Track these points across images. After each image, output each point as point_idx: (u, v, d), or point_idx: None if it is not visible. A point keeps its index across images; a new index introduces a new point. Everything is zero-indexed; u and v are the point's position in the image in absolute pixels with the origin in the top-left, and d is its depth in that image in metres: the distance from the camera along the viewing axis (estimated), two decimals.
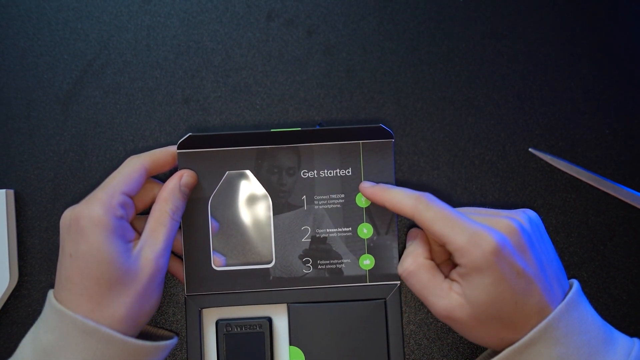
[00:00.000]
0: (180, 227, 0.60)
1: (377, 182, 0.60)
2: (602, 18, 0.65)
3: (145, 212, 0.58)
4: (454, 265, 0.53)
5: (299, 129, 0.59)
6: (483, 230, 0.50)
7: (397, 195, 0.55)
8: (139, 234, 0.56)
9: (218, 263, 0.60)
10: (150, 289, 0.53)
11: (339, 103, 0.64)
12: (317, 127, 0.63)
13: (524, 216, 0.53)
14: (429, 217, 0.52)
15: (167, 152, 0.58)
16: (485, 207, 0.58)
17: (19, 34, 0.64)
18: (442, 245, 0.54)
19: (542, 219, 0.62)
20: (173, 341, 0.57)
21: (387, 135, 0.60)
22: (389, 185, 0.58)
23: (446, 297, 0.52)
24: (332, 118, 0.64)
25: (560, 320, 0.50)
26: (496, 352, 0.53)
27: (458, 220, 0.51)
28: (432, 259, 0.56)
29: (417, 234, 0.58)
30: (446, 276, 0.54)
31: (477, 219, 0.52)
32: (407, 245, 0.58)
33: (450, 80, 0.64)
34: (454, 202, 0.63)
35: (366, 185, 0.59)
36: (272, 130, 0.59)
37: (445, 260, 0.57)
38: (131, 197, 0.56)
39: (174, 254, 0.61)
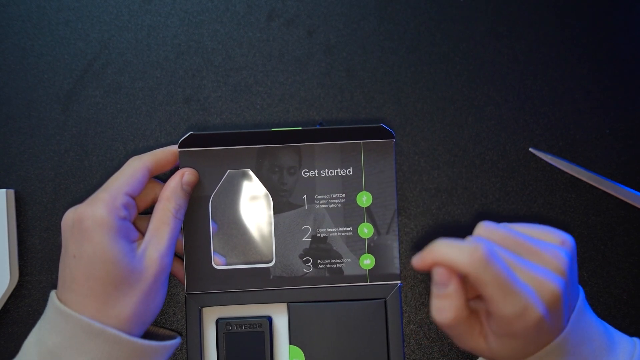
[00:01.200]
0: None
1: (379, 186, 0.59)
2: (602, 18, 0.65)
3: (147, 211, 0.58)
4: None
5: (300, 128, 0.59)
6: (531, 304, 0.46)
7: (450, 249, 0.48)
8: (142, 233, 0.56)
9: (218, 263, 0.60)
10: (155, 288, 0.53)
11: (339, 103, 0.64)
12: (318, 127, 0.63)
13: (565, 260, 0.49)
14: (484, 279, 0.47)
15: (169, 152, 0.58)
16: (518, 225, 0.52)
17: (19, 34, 0.64)
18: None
19: (542, 219, 0.63)
20: (177, 341, 0.57)
21: (388, 135, 0.60)
22: (436, 242, 0.49)
23: (474, 341, 0.51)
24: (333, 118, 0.64)
25: (571, 332, 0.50)
26: None
27: (511, 288, 0.47)
28: (467, 304, 0.51)
29: (452, 278, 0.50)
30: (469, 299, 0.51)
31: (522, 274, 0.48)
32: (442, 289, 0.50)
33: (451, 80, 0.65)
34: (454, 202, 0.63)
35: (416, 261, 0.50)
36: (273, 129, 0.59)
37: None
38: (133, 197, 0.56)
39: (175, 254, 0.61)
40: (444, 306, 0.49)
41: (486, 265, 0.46)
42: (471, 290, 0.51)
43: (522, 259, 0.49)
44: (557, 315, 0.48)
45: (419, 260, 0.50)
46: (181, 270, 0.60)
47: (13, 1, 0.64)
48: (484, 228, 0.51)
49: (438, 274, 0.49)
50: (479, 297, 0.51)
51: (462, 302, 0.49)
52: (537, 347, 0.49)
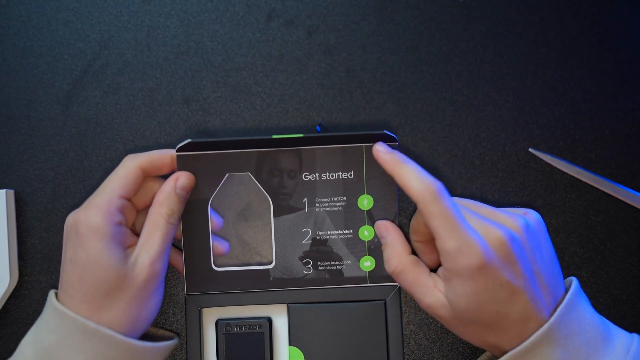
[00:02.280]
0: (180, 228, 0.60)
1: (381, 189, 0.60)
2: (602, 18, 0.65)
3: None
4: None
5: (301, 135, 0.59)
6: (473, 241, 0.50)
7: (409, 174, 0.53)
8: (139, 235, 0.56)
9: (220, 251, 0.60)
10: (147, 294, 0.53)
11: (339, 103, 0.64)
12: (318, 129, 0.63)
13: (521, 222, 0.52)
14: (432, 211, 0.51)
15: (166, 155, 0.57)
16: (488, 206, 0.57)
17: (19, 34, 0.64)
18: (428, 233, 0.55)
19: (543, 220, 0.63)
20: (173, 342, 0.57)
21: (391, 140, 0.59)
22: (405, 158, 0.55)
23: (431, 295, 0.53)
24: (332, 118, 0.64)
25: (560, 322, 0.50)
26: (495, 356, 0.53)
27: (455, 224, 0.50)
28: (412, 252, 0.57)
29: (388, 228, 0.58)
30: (429, 266, 0.56)
31: (473, 222, 0.51)
32: (383, 240, 0.58)
33: (450, 81, 0.64)
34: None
35: (380, 149, 0.56)
36: (273, 136, 0.58)
37: (429, 240, 0.57)
38: (130, 199, 0.56)
39: (175, 246, 0.61)
40: (387, 254, 0.57)
41: (435, 199, 0.51)
42: (421, 236, 0.57)
43: (477, 214, 0.53)
44: (510, 268, 0.50)
45: (383, 156, 0.56)
46: (182, 264, 0.60)
47: (13, 1, 0.64)
48: (455, 199, 0.55)
49: (377, 228, 0.58)
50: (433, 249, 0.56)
51: (402, 248, 0.56)
52: (494, 302, 0.50)
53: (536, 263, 0.52)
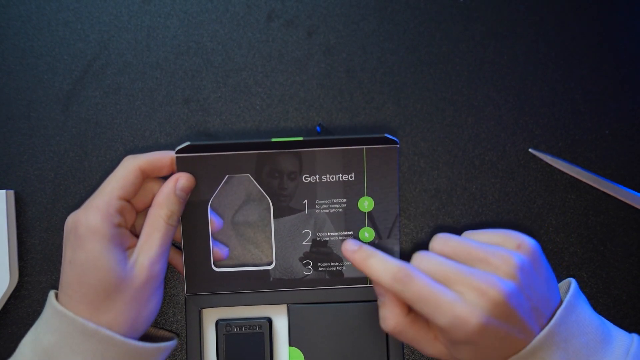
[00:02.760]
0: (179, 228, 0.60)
1: (381, 191, 0.59)
2: (602, 18, 0.65)
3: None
4: None
5: (301, 138, 0.58)
6: (464, 312, 0.48)
7: (377, 265, 0.52)
8: (139, 236, 0.56)
9: (220, 256, 0.60)
10: (147, 295, 0.54)
11: (339, 103, 0.64)
12: (318, 129, 0.63)
13: (516, 264, 0.50)
14: (408, 297, 0.50)
15: (166, 156, 0.57)
16: (477, 232, 0.54)
17: (19, 34, 0.64)
18: None
19: (542, 220, 0.63)
20: (173, 342, 0.57)
21: (392, 143, 0.59)
22: (371, 251, 0.53)
23: (432, 347, 0.53)
24: (332, 119, 0.64)
25: (560, 325, 0.50)
26: None
27: (437, 301, 0.49)
28: (409, 308, 0.53)
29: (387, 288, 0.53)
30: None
31: (462, 283, 0.49)
32: (380, 298, 0.54)
33: (450, 81, 0.64)
34: (454, 202, 0.63)
35: (349, 248, 0.54)
36: (272, 140, 0.58)
37: None
38: (129, 200, 0.56)
39: (174, 245, 0.61)
40: (384, 315, 0.54)
41: (405, 285, 0.50)
42: None
43: (467, 267, 0.50)
44: (509, 319, 0.49)
45: (351, 255, 0.54)
46: (181, 264, 0.60)
47: (13, 2, 0.64)
48: (438, 240, 0.53)
49: (376, 285, 0.54)
50: None
51: (399, 310, 0.53)
52: (499, 351, 0.50)
53: (532, 298, 0.50)
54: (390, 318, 0.53)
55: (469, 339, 0.49)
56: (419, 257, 0.52)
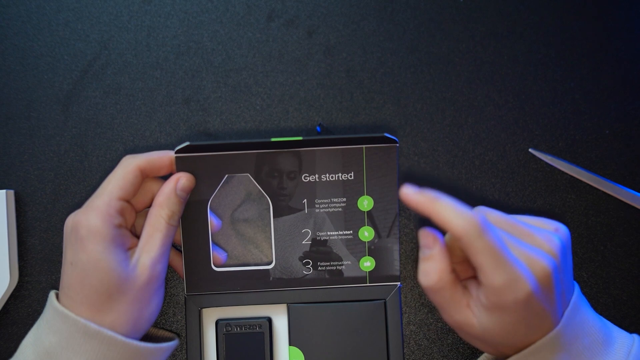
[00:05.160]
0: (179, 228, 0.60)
1: (381, 190, 0.59)
2: (602, 18, 0.65)
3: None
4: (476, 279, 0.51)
5: (300, 138, 0.58)
6: (521, 275, 0.47)
7: (448, 210, 0.48)
8: (139, 236, 0.56)
9: (219, 260, 0.60)
10: (148, 295, 0.54)
11: (339, 103, 0.64)
12: (317, 129, 0.63)
13: (557, 245, 0.50)
14: (477, 246, 0.48)
15: (165, 156, 0.57)
16: (513, 216, 0.54)
17: (19, 34, 0.64)
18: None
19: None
20: (174, 343, 0.57)
21: (392, 142, 0.59)
22: (438, 195, 0.50)
23: (462, 313, 0.51)
24: (332, 118, 0.64)
25: (566, 327, 0.50)
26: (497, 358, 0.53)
27: (502, 258, 0.48)
28: (453, 269, 0.52)
29: (436, 241, 0.52)
30: (462, 280, 0.53)
31: (516, 251, 0.49)
32: (426, 251, 0.52)
33: (450, 81, 0.64)
34: None
35: (409, 192, 0.50)
36: (272, 139, 0.58)
37: (463, 262, 0.54)
38: (129, 200, 0.56)
39: (175, 247, 0.61)
40: (428, 268, 0.51)
41: (480, 233, 0.47)
42: (457, 259, 0.53)
43: (515, 238, 0.50)
44: (548, 296, 0.49)
45: (414, 197, 0.50)
46: (181, 266, 0.60)
47: (13, 2, 0.64)
48: (481, 210, 0.52)
49: (423, 237, 0.51)
50: (468, 266, 0.53)
51: (445, 265, 0.51)
52: (528, 328, 0.49)
53: (564, 282, 0.51)
54: (436, 272, 0.51)
55: (515, 306, 0.48)
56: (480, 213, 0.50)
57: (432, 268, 0.51)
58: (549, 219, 0.53)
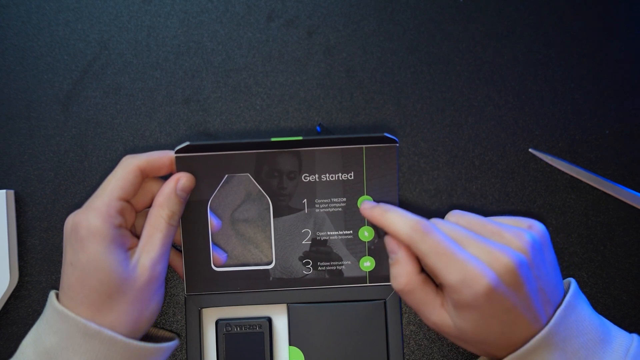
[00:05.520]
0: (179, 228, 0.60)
1: (381, 190, 0.60)
2: (602, 18, 0.65)
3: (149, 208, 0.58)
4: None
5: (300, 137, 0.58)
6: (476, 270, 0.48)
7: (396, 218, 0.52)
8: (139, 236, 0.56)
9: (218, 261, 0.60)
10: (149, 296, 0.53)
11: (339, 103, 0.64)
12: (317, 129, 0.63)
13: (527, 240, 0.51)
14: (423, 250, 0.50)
15: (165, 156, 0.57)
16: (490, 217, 0.55)
17: (19, 35, 0.64)
18: None
19: (542, 220, 0.62)
20: (174, 343, 0.57)
21: (392, 142, 0.59)
22: (389, 207, 0.54)
23: (437, 314, 0.53)
24: (332, 118, 0.64)
25: (559, 325, 0.50)
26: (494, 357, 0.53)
27: (452, 256, 0.49)
28: (422, 269, 0.54)
29: (400, 245, 0.54)
30: (437, 285, 0.54)
31: (476, 247, 0.50)
32: (393, 256, 0.54)
33: (450, 81, 0.64)
34: (454, 203, 0.63)
35: (366, 206, 0.56)
36: (272, 139, 0.58)
37: None
38: (129, 200, 0.56)
39: (175, 247, 0.61)
40: (396, 272, 0.54)
41: (423, 236, 0.50)
42: None
43: (480, 236, 0.51)
44: (517, 290, 0.49)
45: (369, 212, 0.55)
46: (181, 266, 0.60)
47: (13, 2, 0.64)
48: (453, 214, 0.55)
49: (387, 242, 0.55)
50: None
51: (411, 267, 0.53)
52: (503, 325, 0.50)
53: (540, 279, 0.51)
54: (403, 275, 0.53)
55: (476, 302, 0.49)
56: (435, 221, 0.53)
57: (399, 271, 0.53)
58: (527, 217, 0.54)
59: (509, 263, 0.49)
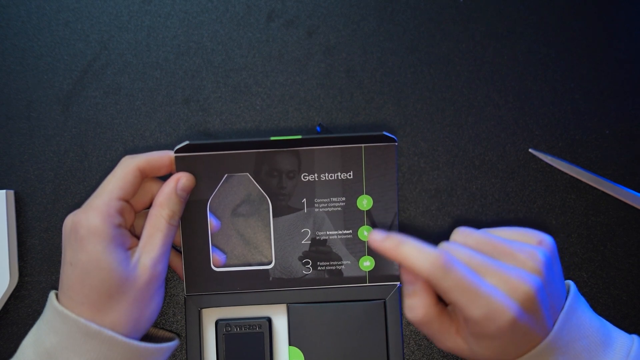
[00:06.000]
0: (179, 228, 0.60)
1: (380, 189, 0.59)
2: (602, 18, 0.65)
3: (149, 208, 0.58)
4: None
5: (300, 136, 0.58)
6: (500, 304, 0.47)
7: (413, 253, 0.49)
8: (139, 236, 0.56)
9: (218, 262, 0.60)
10: (149, 295, 0.53)
11: (339, 104, 0.64)
12: (317, 129, 0.63)
13: (541, 260, 0.50)
14: (446, 286, 0.48)
15: (164, 156, 0.57)
16: (495, 229, 0.54)
17: (19, 35, 0.64)
18: None
19: (542, 220, 0.63)
20: (174, 343, 0.57)
21: (391, 141, 0.59)
22: (402, 238, 0.50)
23: (452, 341, 0.52)
24: (332, 118, 0.64)
25: (562, 329, 0.50)
26: None
27: (476, 292, 0.48)
28: (438, 299, 0.53)
29: (418, 276, 0.51)
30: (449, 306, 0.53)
31: (494, 276, 0.49)
32: (409, 287, 0.52)
33: (450, 81, 0.64)
34: (454, 202, 0.63)
35: (377, 238, 0.51)
36: (271, 138, 0.58)
37: None
38: (128, 200, 0.56)
39: (174, 248, 0.61)
40: (413, 304, 0.51)
41: (445, 273, 0.48)
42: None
43: (495, 261, 0.50)
44: (535, 315, 0.49)
45: (381, 244, 0.51)
46: (181, 267, 0.60)
47: (13, 2, 0.64)
48: (460, 233, 0.53)
49: (405, 273, 0.52)
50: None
51: (429, 300, 0.51)
52: (518, 347, 0.50)
53: (552, 295, 0.50)
54: (420, 307, 0.51)
55: (500, 333, 0.48)
56: (448, 247, 0.51)
57: (417, 304, 0.51)
58: (533, 230, 0.53)
59: (529, 291, 0.48)
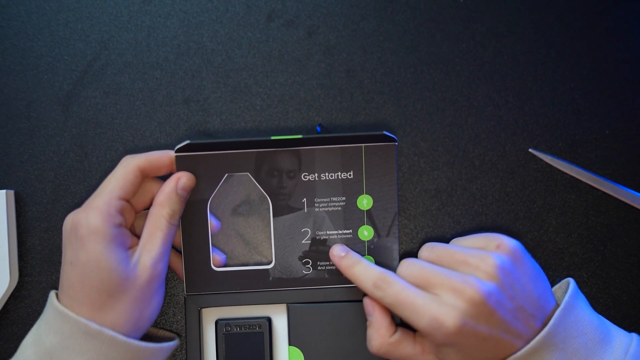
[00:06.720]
0: (179, 228, 0.60)
1: (380, 189, 0.60)
2: (602, 18, 0.65)
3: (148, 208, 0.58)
4: None
5: (300, 136, 0.59)
6: (442, 313, 0.49)
7: (362, 272, 0.55)
8: (139, 236, 0.56)
9: (218, 262, 0.60)
10: (149, 295, 0.54)
11: (339, 104, 0.64)
12: (318, 129, 0.63)
13: (495, 264, 0.51)
14: (387, 303, 0.52)
15: (165, 156, 0.57)
16: (462, 238, 0.56)
17: (19, 35, 0.64)
18: None
19: (542, 220, 0.62)
20: (174, 343, 0.57)
21: (391, 141, 0.59)
22: (355, 259, 0.57)
23: (422, 358, 0.54)
24: (332, 118, 0.64)
25: (558, 325, 0.50)
26: None
27: (413, 305, 0.50)
28: (395, 328, 0.56)
29: (374, 307, 0.56)
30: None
31: (441, 284, 0.51)
32: (368, 318, 0.56)
33: (450, 81, 0.64)
34: (454, 202, 0.63)
35: (336, 254, 0.58)
36: (272, 137, 0.58)
37: None
38: (129, 200, 0.56)
39: (174, 248, 0.61)
40: (370, 335, 0.56)
41: (384, 291, 0.52)
42: None
43: (446, 270, 0.52)
44: (489, 319, 0.50)
45: (338, 262, 0.58)
46: (181, 267, 0.60)
47: (13, 2, 0.64)
48: (425, 248, 0.56)
49: (365, 305, 0.57)
50: None
51: (384, 331, 0.55)
52: (481, 352, 0.51)
53: (516, 298, 0.51)
54: (375, 339, 0.55)
55: (449, 341, 0.50)
56: (403, 263, 0.54)
57: (372, 335, 0.56)
58: (499, 235, 0.54)
59: (475, 295, 0.49)
